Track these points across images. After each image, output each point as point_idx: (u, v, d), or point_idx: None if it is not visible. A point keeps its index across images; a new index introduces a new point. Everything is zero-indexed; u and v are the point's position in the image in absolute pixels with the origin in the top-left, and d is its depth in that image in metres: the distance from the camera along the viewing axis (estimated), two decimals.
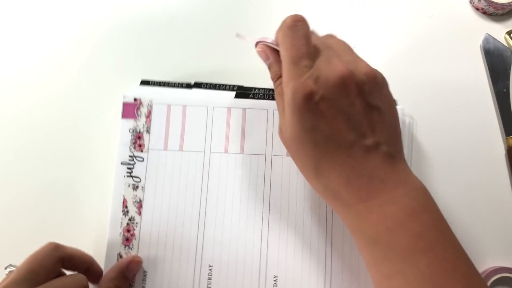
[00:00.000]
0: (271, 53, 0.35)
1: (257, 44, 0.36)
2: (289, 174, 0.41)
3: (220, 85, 0.44)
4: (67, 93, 0.47)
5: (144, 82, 0.43)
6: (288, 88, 0.31)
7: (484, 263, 0.41)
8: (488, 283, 0.39)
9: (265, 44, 0.35)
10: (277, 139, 0.41)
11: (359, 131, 0.30)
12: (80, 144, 0.45)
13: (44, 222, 0.43)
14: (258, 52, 0.36)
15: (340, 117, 0.30)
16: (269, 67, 0.35)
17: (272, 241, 0.40)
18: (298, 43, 0.31)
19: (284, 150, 0.41)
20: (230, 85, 0.44)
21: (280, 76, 0.33)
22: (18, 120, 0.46)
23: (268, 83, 0.45)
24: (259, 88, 0.44)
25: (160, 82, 0.43)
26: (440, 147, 0.44)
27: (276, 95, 0.35)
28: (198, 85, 0.44)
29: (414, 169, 0.43)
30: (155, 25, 0.48)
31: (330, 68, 0.31)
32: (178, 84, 0.43)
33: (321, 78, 0.30)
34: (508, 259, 0.41)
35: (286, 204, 0.40)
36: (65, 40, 0.48)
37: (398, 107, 0.42)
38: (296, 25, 0.32)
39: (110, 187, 0.42)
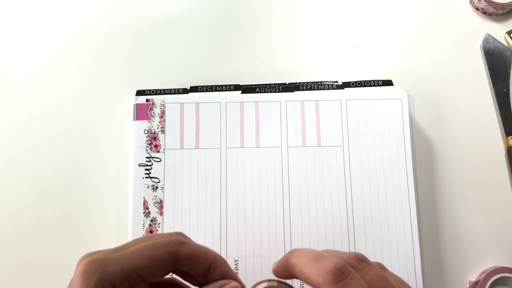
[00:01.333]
0: None
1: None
2: (306, 164, 0.42)
3: (216, 86, 0.44)
4: (67, 92, 0.46)
5: (140, 92, 0.43)
6: None
7: (484, 263, 0.42)
8: (488, 283, 0.40)
9: None
10: (292, 131, 0.42)
11: None
12: (80, 145, 0.45)
13: (61, 230, 0.44)
14: None
15: None
16: None
17: (295, 233, 0.41)
18: None
19: (299, 141, 0.42)
20: (226, 85, 0.44)
21: None
22: (17, 119, 0.46)
23: (267, 80, 0.45)
24: (261, 84, 0.44)
25: (155, 90, 0.43)
26: (440, 147, 0.44)
27: None
28: (194, 89, 0.44)
29: (416, 168, 0.43)
30: (154, 26, 0.48)
31: None
32: (174, 90, 0.43)
33: None
34: (508, 259, 0.42)
35: (306, 195, 0.41)
36: (64, 40, 0.48)
37: (394, 87, 0.43)
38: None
39: (119, 189, 0.43)
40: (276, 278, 0.30)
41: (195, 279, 0.30)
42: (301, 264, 0.27)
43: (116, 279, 0.25)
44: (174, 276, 0.29)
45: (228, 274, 0.29)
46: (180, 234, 0.29)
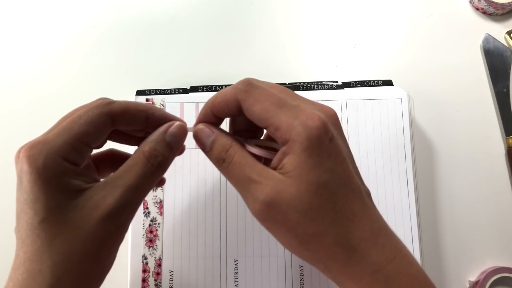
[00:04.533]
0: (213, 128, 0.30)
1: (195, 126, 0.31)
2: None
3: (216, 86, 0.44)
4: (67, 92, 0.46)
5: (140, 92, 0.43)
6: (296, 130, 0.25)
7: (484, 263, 0.42)
8: (488, 283, 0.40)
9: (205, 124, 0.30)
10: None
11: (358, 175, 0.28)
12: None
13: None
14: (199, 131, 0.30)
15: (347, 157, 0.27)
16: (213, 144, 0.29)
17: None
18: (271, 92, 0.27)
19: None
20: (226, 85, 0.44)
21: (231, 145, 0.28)
22: (17, 119, 0.46)
23: (267, 80, 0.45)
24: None
25: (156, 90, 0.43)
26: (440, 148, 0.44)
27: (233, 169, 0.28)
28: (194, 89, 0.44)
29: (416, 168, 0.43)
30: (155, 26, 0.48)
31: (318, 107, 0.28)
32: (174, 90, 0.43)
33: (322, 113, 0.27)
34: (508, 259, 0.42)
35: None
36: (64, 40, 0.48)
37: (394, 86, 0.43)
38: (253, 82, 0.28)
39: None
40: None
41: (137, 138, 0.30)
42: (269, 111, 0.26)
43: (63, 151, 0.25)
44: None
45: (169, 117, 0.30)
46: (105, 97, 0.29)
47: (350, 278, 0.26)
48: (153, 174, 0.28)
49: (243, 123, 0.31)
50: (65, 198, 0.25)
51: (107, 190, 0.26)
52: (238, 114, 0.29)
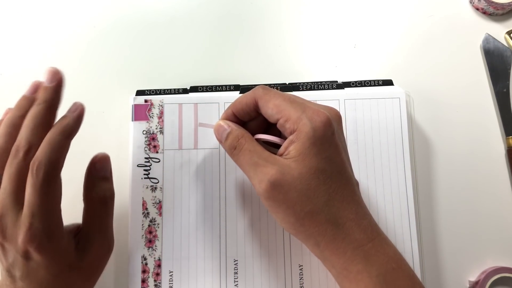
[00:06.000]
0: (230, 123, 0.34)
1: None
2: None
3: (216, 86, 0.44)
4: (67, 92, 0.46)
5: (140, 92, 0.43)
6: (303, 121, 0.30)
7: (484, 263, 0.42)
8: (488, 283, 0.40)
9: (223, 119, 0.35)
10: None
11: (350, 167, 0.33)
12: (80, 145, 0.45)
13: None
14: (218, 126, 0.34)
15: (343, 150, 0.32)
16: (228, 135, 0.33)
17: None
18: (282, 93, 0.33)
19: None
20: (226, 85, 0.44)
21: (243, 135, 0.33)
22: None
23: (267, 80, 0.45)
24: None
25: (156, 90, 0.43)
26: (440, 148, 0.44)
27: (244, 155, 0.32)
28: (194, 89, 0.44)
29: (416, 168, 0.43)
30: (155, 26, 0.48)
31: (323, 106, 0.33)
32: (174, 90, 0.43)
33: (326, 111, 0.32)
34: (508, 259, 0.42)
35: None
36: (64, 40, 0.48)
37: (393, 86, 0.43)
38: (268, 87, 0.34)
39: (118, 189, 0.42)
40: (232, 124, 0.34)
41: None
42: (282, 105, 0.31)
43: (57, 231, 0.34)
44: None
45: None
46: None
47: (335, 252, 0.30)
48: (112, 208, 0.36)
49: (254, 129, 0.35)
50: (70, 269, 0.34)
51: (85, 243, 0.35)
52: (254, 114, 0.34)
